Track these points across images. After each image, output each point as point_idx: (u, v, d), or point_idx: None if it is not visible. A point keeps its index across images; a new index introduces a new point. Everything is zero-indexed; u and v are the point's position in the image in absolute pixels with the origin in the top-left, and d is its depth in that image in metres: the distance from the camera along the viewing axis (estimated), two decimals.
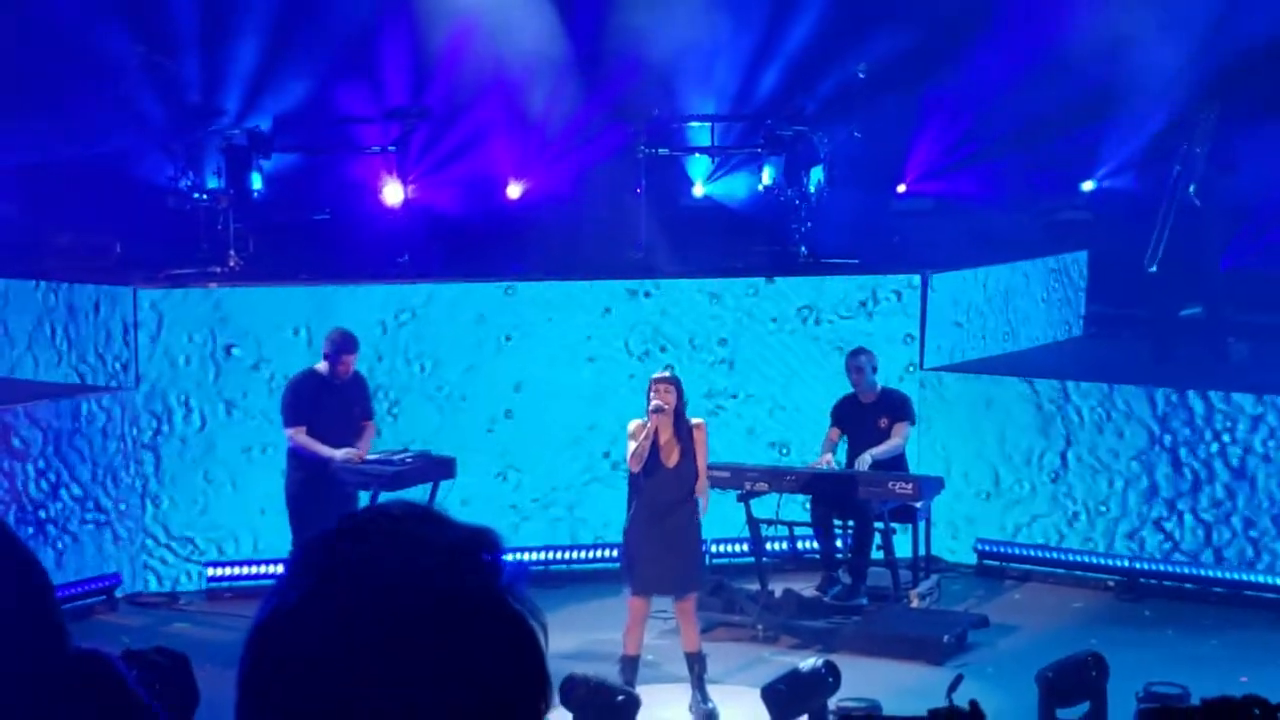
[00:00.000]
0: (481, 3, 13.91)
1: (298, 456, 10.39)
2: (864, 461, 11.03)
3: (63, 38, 13.30)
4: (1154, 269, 13.04)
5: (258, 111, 13.94)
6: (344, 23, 14.25)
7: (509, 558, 1.41)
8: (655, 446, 9.21)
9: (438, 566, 1.36)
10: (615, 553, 9.87)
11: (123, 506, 11.35)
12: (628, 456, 9.31)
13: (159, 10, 13.90)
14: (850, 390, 11.42)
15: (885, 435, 11.17)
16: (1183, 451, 11.63)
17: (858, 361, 11.31)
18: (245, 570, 11.52)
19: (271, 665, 1.35)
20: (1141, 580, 11.70)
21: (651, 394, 9.21)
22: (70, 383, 11.63)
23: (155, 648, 3.67)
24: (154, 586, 11.53)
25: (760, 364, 12.46)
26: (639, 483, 9.30)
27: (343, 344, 10.39)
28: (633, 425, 9.38)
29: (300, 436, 10.34)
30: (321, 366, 10.47)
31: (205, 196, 13.11)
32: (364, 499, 10.46)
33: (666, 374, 9.43)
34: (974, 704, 4.67)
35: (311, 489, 10.27)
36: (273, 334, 11.65)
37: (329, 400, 10.39)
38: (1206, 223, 13.17)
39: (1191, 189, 13.01)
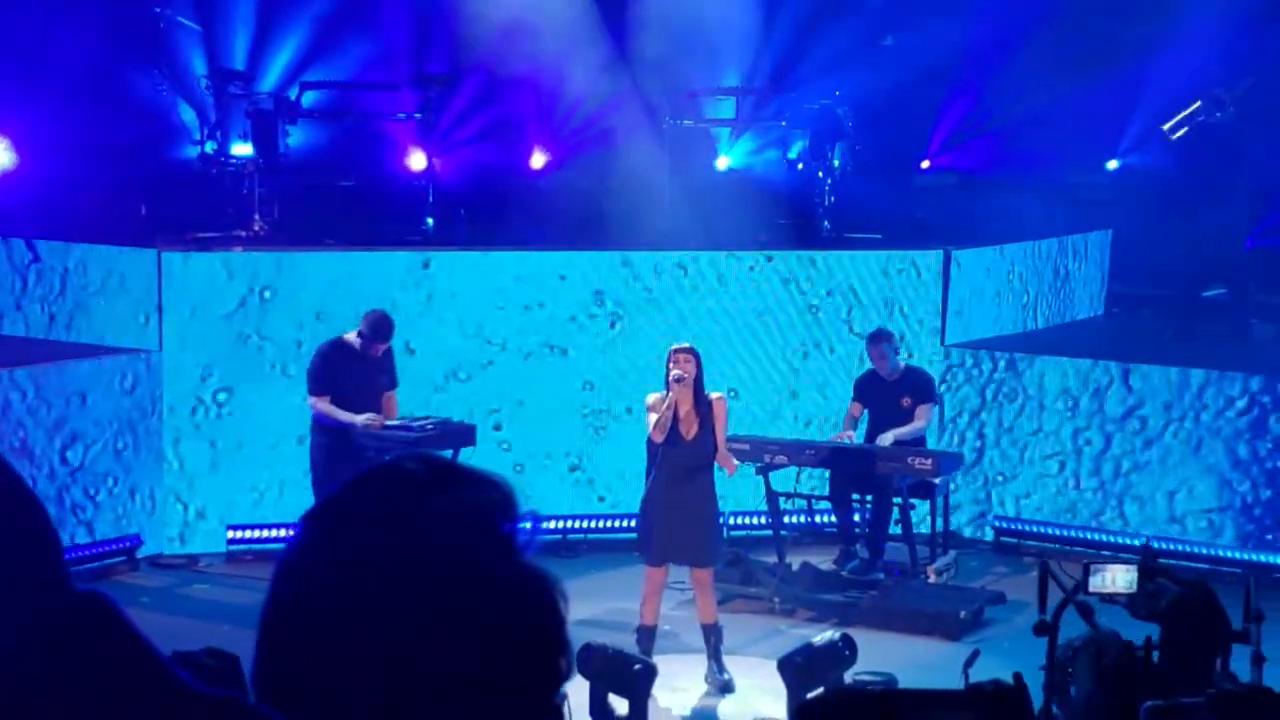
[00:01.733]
0: None
1: (321, 423, 10.44)
2: (885, 440, 11.03)
3: (88, 5, 13.31)
4: (1170, 132, 13.14)
5: (285, 77, 13.95)
6: None
7: (525, 517, 1.40)
8: (675, 418, 9.22)
9: (454, 529, 1.36)
10: (632, 523, 9.89)
11: (144, 468, 11.40)
12: (649, 428, 9.31)
13: None
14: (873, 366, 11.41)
15: (907, 413, 11.16)
16: (1202, 432, 11.60)
17: (880, 348, 11.28)
18: (266, 533, 11.58)
19: (286, 630, 1.35)
20: (1159, 559, 11.66)
21: (671, 364, 9.22)
22: (93, 344, 11.68)
23: (206, 649, 3.69)
24: (175, 549, 11.59)
25: (781, 339, 12.44)
26: (657, 453, 9.31)
27: (379, 329, 10.40)
28: (651, 398, 9.39)
29: (322, 404, 10.38)
30: (351, 337, 10.50)
31: (231, 160, 13.14)
32: None
33: (686, 345, 9.43)
34: (1018, 677, 4.65)
35: (334, 454, 10.33)
36: (297, 299, 11.66)
37: (355, 370, 10.43)
38: (1230, 201, 13.13)
39: (1218, 115, 13.02)
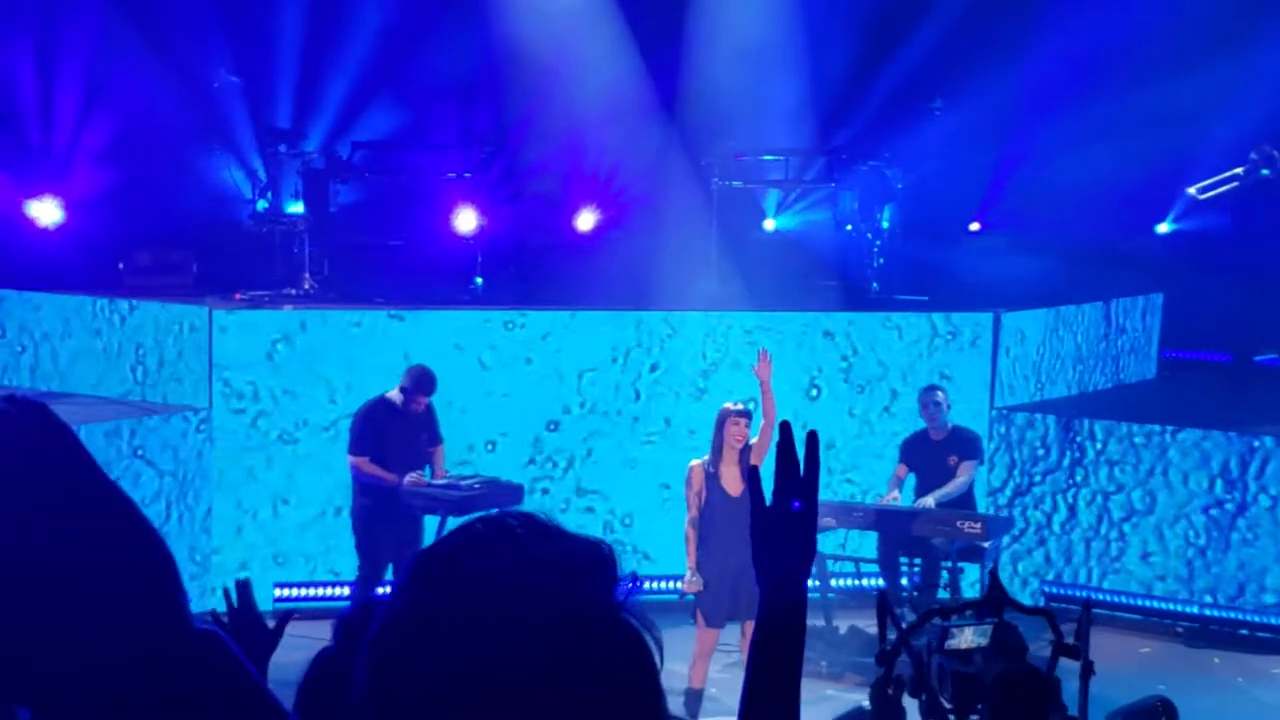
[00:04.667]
0: (562, 34, 13.97)
1: (362, 483, 10.46)
2: (927, 502, 10.96)
3: (148, 54, 13.46)
4: (1196, 194, 13.07)
5: (330, 134, 14.07)
6: (425, 51, 14.37)
7: (625, 575, 1.41)
8: (718, 480, 9.26)
9: (555, 583, 1.36)
10: (678, 584, 9.84)
11: (192, 526, 11.43)
12: (687, 502, 9.39)
13: (245, 33, 14.06)
14: (921, 427, 11.37)
15: (954, 473, 11.10)
16: (1260, 497, 11.48)
17: (934, 397, 11.25)
18: (311, 591, 11.59)
19: (389, 678, 1.36)
20: (1212, 627, 11.55)
21: (730, 425, 9.27)
22: (141, 400, 11.74)
23: (224, 590, 3.82)
24: (223, 607, 11.57)
25: (828, 400, 12.41)
26: (709, 516, 9.32)
27: (421, 383, 10.46)
28: (693, 470, 9.43)
29: (364, 465, 10.40)
30: (394, 395, 10.54)
31: (283, 219, 13.25)
32: (430, 523, 10.52)
33: (741, 407, 9.45)
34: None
35: (377, 515, 10.35)
36: (344, 357, 11.71)
37: (398, 428, 10.46)
38: None
39: (1265, 172, 12.92)
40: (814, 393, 12.33)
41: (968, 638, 5.65)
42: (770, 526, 2.12)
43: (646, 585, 11.88)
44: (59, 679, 1.27)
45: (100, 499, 1.32)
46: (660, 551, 11.98)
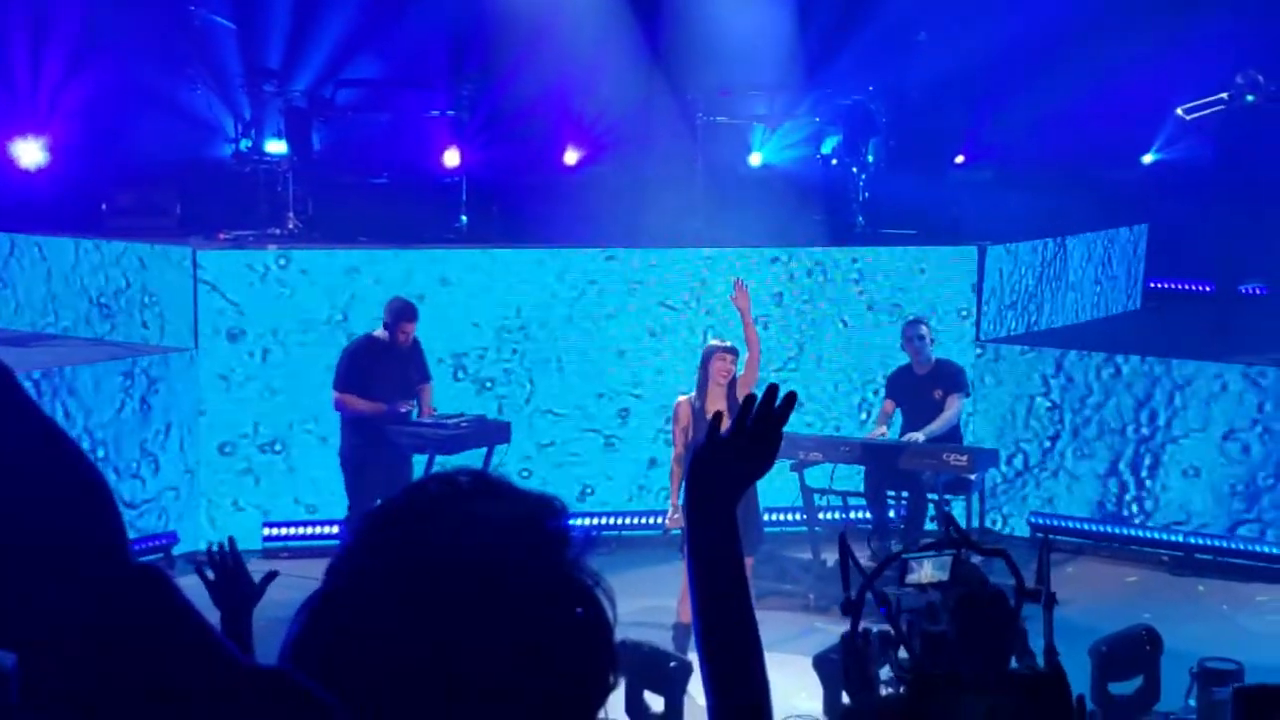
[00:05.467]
0: None
1: (351, 422, 10.46)
2: (914, 437, 10.99)
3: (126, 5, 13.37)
4: (1184, 114, 13.07)
5: (315, 74, 13.97)
6: None
7: (575, 526, 1.41)
8: (703, 415, 9.29)
9: (504, 543, 1.36)
10: (663, 519, 9.88)
11: (180, 466, 11.45)
12: (673, 439, 9.41)
13: None
14: (905, 362, 11.39)
15: (940, 406, 11.13)
16: (1240, 428, 11.54)
17: (918, 331, 11.27)
18: (301, 530, 11.62)
19: (331, 637, 1.36)
20: (1197, 555, 11.64)
21: (716, 361, 9.28)
22: (129, 342, 11.73)
23: (209, 547, 3.93)
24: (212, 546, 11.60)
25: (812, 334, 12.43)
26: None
27: (402, 313, 10.46)
28: (680, 404, 9.46)
29: (350, 400, 10.40)
30: (380, 333, 10.54)
31: (265, 158, 13.18)
32: (419, 462, 10.54)
33: (728, 344, 9.46)
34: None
35: (366, 452, 10.36)
36: (331, 296, 11.69)
37: (386, 365, 10.46)
38: (1270, 191, 13.03)
39: (1250, 98, 12.90)
40: (788, 325, 12.35)
41: (927, 572, 5.69)
42: (701, 457, 2.12)
43: (633, 521, 12.00)
44: None
45: (34, 435, 1.31)
46: (645, 484, 12.02)
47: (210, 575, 3.93)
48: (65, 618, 1.27)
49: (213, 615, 3.74)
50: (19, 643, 1.27)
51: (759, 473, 2.18)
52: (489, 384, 11.95)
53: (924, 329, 11.29)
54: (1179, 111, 13.60)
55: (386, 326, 10.49)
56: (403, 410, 10.49)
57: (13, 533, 1.27)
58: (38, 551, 1.27)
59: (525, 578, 1.36)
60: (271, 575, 3.98)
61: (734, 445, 2.13)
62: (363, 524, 1.41)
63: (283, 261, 11.75)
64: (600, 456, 12.17)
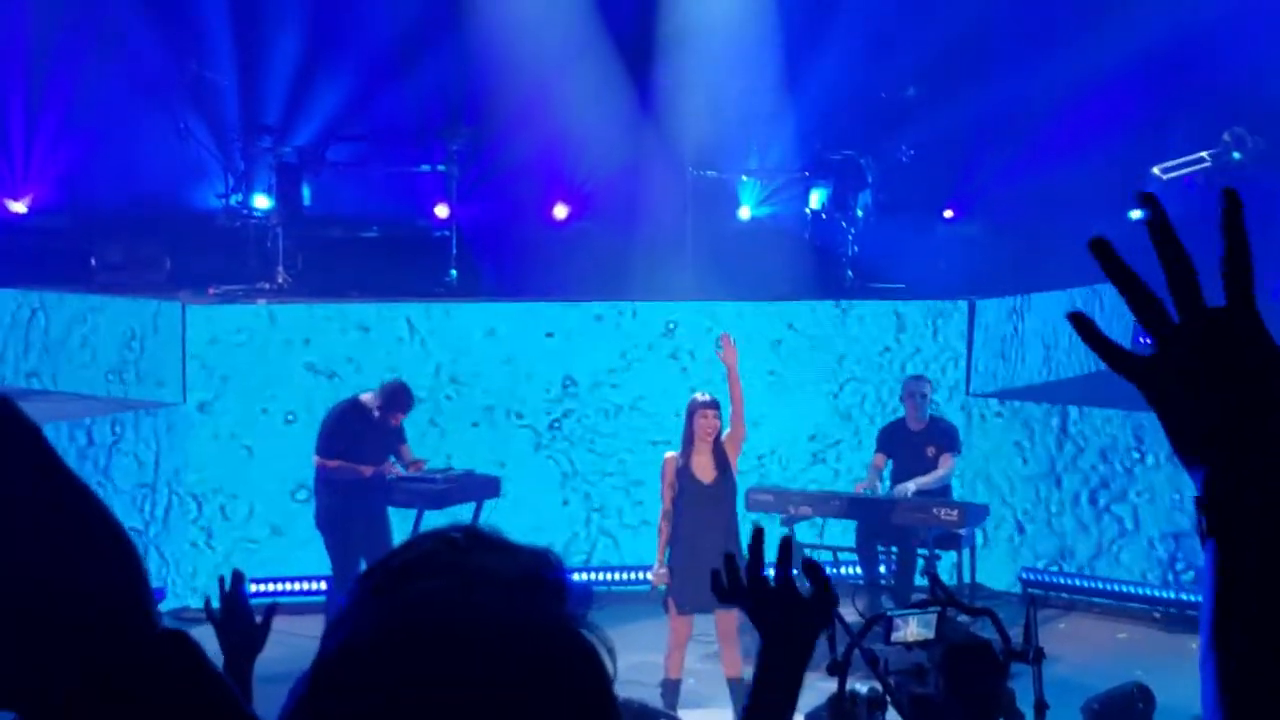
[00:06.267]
0: (539, 28, 13.94)
1: (331, 484, 10.38)
2: (905, 490, 10.97)
3: (115, 54, 13.44)
4: (1160, 174, 13.01)
5: (309, 129, 14.01)
6: (397, 43, 14.33)
7: (572, 579, 1.40)
8: (689, 469, 9.26)
9: (502, 600, 1.35)
10: (648, 574, 9.85)
11: (167, 521, 11.39)
12: (662, 495, 9.39)
13: (210, 28, 14.02)
14: (899, 416, 11.38)
15: (932, 463, 11.12)
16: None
17: (921, 388, 11.26)
18: (287, 586, 11.55)
19: (334, 703, 1.35)
20: (1189, 612, 11.59)
21: (699, 418, 9.26)
22: (117, 397, 11.70)
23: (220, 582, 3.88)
24: (197, 603, 11.56)
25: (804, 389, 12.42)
26: (681, 505, 9.32)
27: (398, 400, 10.41)
28: (667, 461, 9.44)
29: (332, 465, 10.33)
30: (367, 398, 10.48)
31: (255, 213, 13.20)
32: (407, 517, 10.50)
33: (710, 398, 9.43)
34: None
35: (346, 512, 10.28)
36: (320, 350, 11.67)
37: (369, 432, 10.40)
38: (1259, 250, 13.04)
39: (1236, 156, 12.91)
40: (777, 379, 12.34)
41: (913, 629, 5.68)
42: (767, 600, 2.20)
43: (621, 576, 11.95)
44: (12, 674, 1.26)
45: (65, 496, 1.31)
46: (633, 540, 11.98)
47: (216, 614, 3.90)
48: (93, 680, 1.26)
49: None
50: (44, 706, 1.26)
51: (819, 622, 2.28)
52: (475, 424, 11.93)
53: (926, 386, 11.30)
54: (1155, 171, 13.63)
55: (379, 408, 10.42)
56: (388, 475, 10.43)
57: (43, 593, 1.26)
58: (67, 612, 1.26)
59: (526, 634, 1.35)
60: (273, 609, 3.95)
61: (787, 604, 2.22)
62: (358, 586, 1.40)
63: (271, 316, 11.73)
64: (585, 510, 12.14)
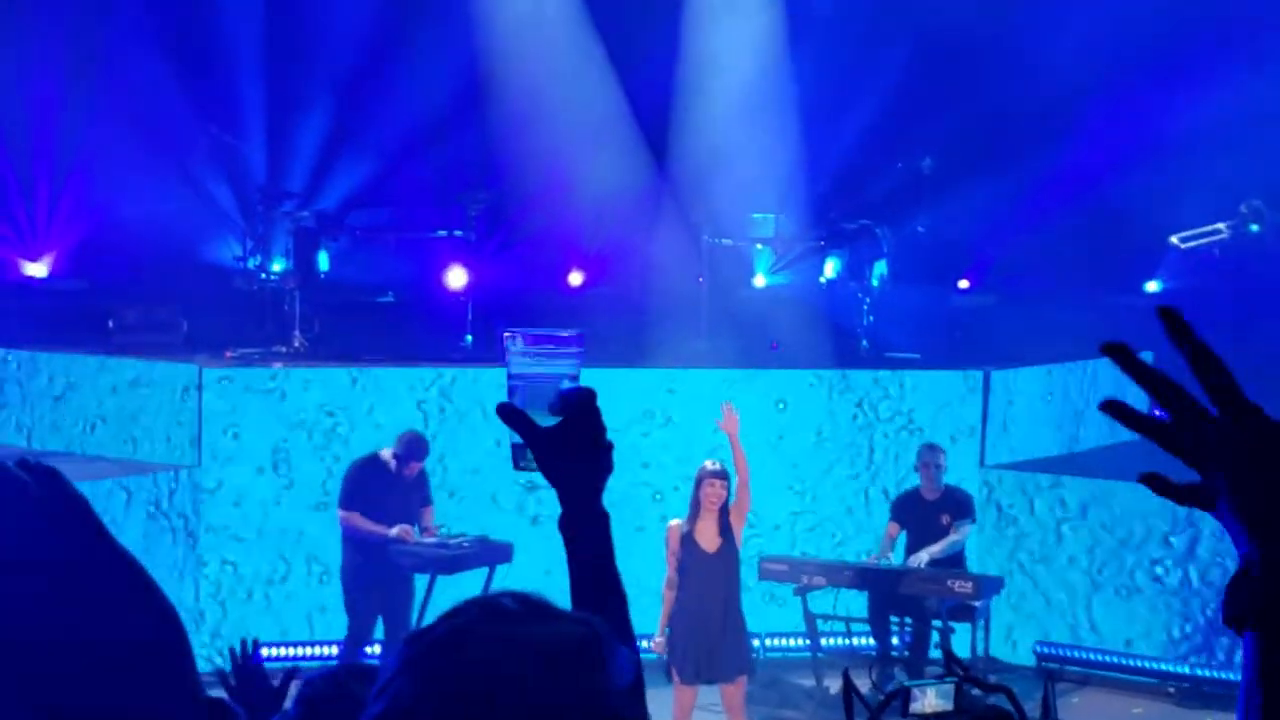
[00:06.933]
0: (554, 92, 14.04)
1: (352, 539, 10.43)
2: (920, 560, 10.93)
3: (141, 116, 13.54)
4: (1179, 243, 13.01)
5: (326, 194, 14.10)
6: (422, 114, 14.44)
7: (620, 654, 1.39)
8: (693, 537, 9.24)
9: (544, 674, 1.34)
10: (651, 643, 9.80)
11: (179, 584, 11.37)
12: (667, 562, 9.36)
13: (228, 93, 14.14)
14: (914, 485, 11.35)
15: (947, 532, 11.07)
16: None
17: (935, 458, 11.22)
18: (301, 651, 11.51)
19: None
20: (1204, 688, 11.50)
21: (706, 487, 9.25)
22: (131, 459, 11.71)
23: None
24: (206, 667, 11.51)
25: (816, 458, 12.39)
26: (685, 573, 9.30)
27: (414, 449, 10.49)
28: (671, 530, 9.41)
29: (355, 520, 10.38)
30: (386, 454, 10.54)
31: (272, 277, 13.27)
32: (420, 581, 10.49)
33: (718, 468, 9.42)
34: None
35: (367, 572, 10.32)
36: (335, 415, 11.68)
37: (390, 488, 10.45)
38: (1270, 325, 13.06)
39: (1254, 227, 12.91)
40: (791, 445, 12.31)
41: (931, 700, 5.66)
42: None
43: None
44: None
45: (113, 569, 1.32)
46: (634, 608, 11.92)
47: (231, 681, 3.87)
48: None
49: None
50: None
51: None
52: (493, 499, 11.91)
53: (941, 456, 11.26)
54: (1173, 240, 13.65)
55: (396, 456, 10.49)
56: (408, 538, 10.46)
57: (94, 664, 1.28)
58: (117, 683, 1.28)
59: (575, 707, 1.34)
60: (292, 673, 3.90)
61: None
62: (406, 648, 1.39)
63: (286, 379, 11.76)
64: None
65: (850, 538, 12.30)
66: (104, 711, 1.27)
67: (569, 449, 2.06)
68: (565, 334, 2.20)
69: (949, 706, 5.58)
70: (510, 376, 2.20)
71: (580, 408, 2.07)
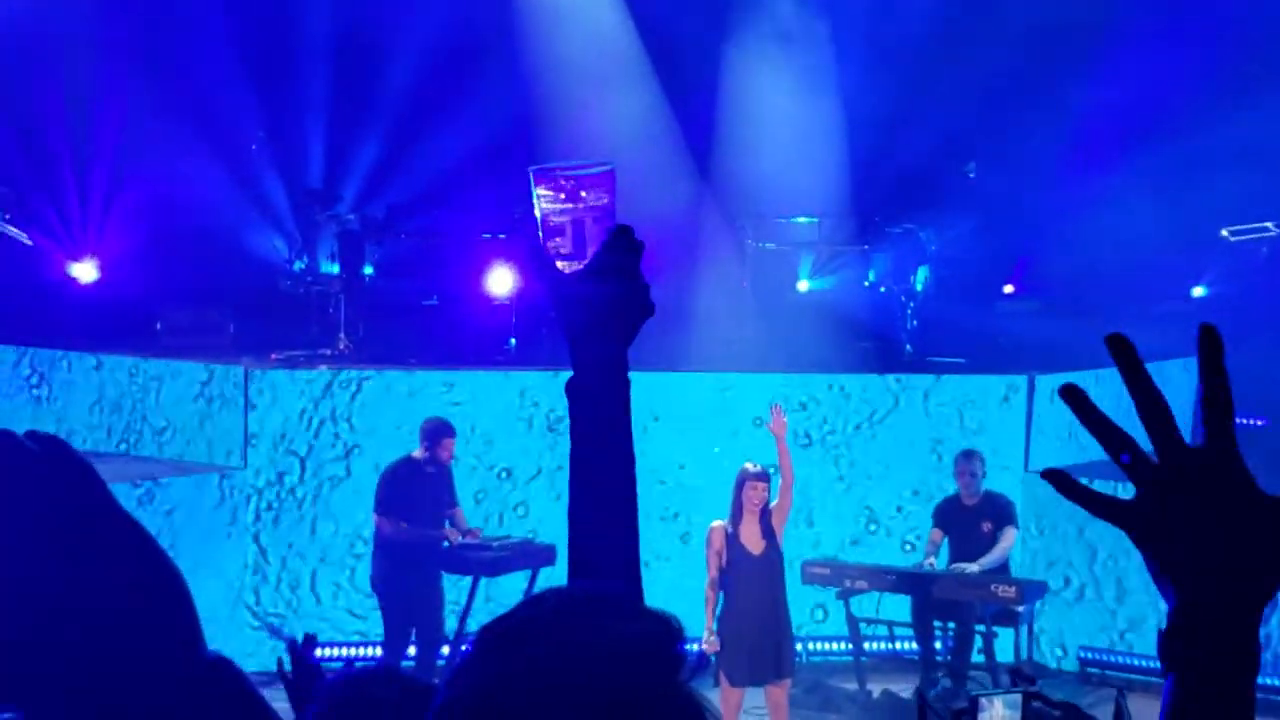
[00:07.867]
0: (596, 95, 14.08)
1: (385, 545, 10.44)
2: (969, 570, 10.88)
3: (197, 117, 13.63)
4: (1229, 235, 13.02)
5: (373, 198, 14.17)
6: (460, 111, 14.49)
7: (688, 649, 1.41)
8: (738, 540, 9.24)
9: (621, 663, 1.36)
10: (696, 645, 9.81)
11: (223, 583, 11.45)
12: (708, 563, 9.37)
13: (291, 97, 14.22)
14: (954, 492, 11.32)
15: (988, 538, 11.03)
16: None
17: (971, 465, 11.18)
18: (344, 652, 11.56)
19: None
20: (1274, 697, 11.41)
21: (748, 489, 9.26)
22: (178, 460, 11.79)
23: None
24: (253, 666, 11.57)
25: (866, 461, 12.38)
26: (730, 576, 9.32)
27: (441, 430, 10.50)
28: (714, 531, 9.42)
29: (389, 525, 10.39)
30: (418, 454, 10.56)
31: (318, 280, 13.35)
32: (464, 585, 10.53)
33: (759, 470, 9.43)
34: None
35: (399, 576, 10.33)
36: (379, 417, 11.74)
37: (422, 488, 10.48)
38: None
39: None
40: (832, 450, 12.30)
41: (999, 711, 5.67)
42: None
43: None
44: (66, 699, 1.32)
45: (116, 529, 1.36)
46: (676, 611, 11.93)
47: (290, 676, 3.90)
48: (138, 704, 1.32)
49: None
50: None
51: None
52: (520, 509, 11.94)
53: (978, 463, 11.22)
54: (1224, 233, 13.58)
55: (426, 448, 10.51)
56: (443, 541, 10.50)
57: (94, 619, 1.32)
58: (116, 637, 1.32)
59: (651, 702, 1.36)
60: (349, 665, 3.92)
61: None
62: (481, 637, 1.41)
63: (332, 382, 11.82)
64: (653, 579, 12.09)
65: (895, 544, 12.29)
66: (110, 667, 1.31)
67: (604, 284, 2.02)
68: (595, 170, 2.09)
69: (1017, 716, 5.60)
70: (539, 222, 2.13)
71: (616, 244, 2.04)
